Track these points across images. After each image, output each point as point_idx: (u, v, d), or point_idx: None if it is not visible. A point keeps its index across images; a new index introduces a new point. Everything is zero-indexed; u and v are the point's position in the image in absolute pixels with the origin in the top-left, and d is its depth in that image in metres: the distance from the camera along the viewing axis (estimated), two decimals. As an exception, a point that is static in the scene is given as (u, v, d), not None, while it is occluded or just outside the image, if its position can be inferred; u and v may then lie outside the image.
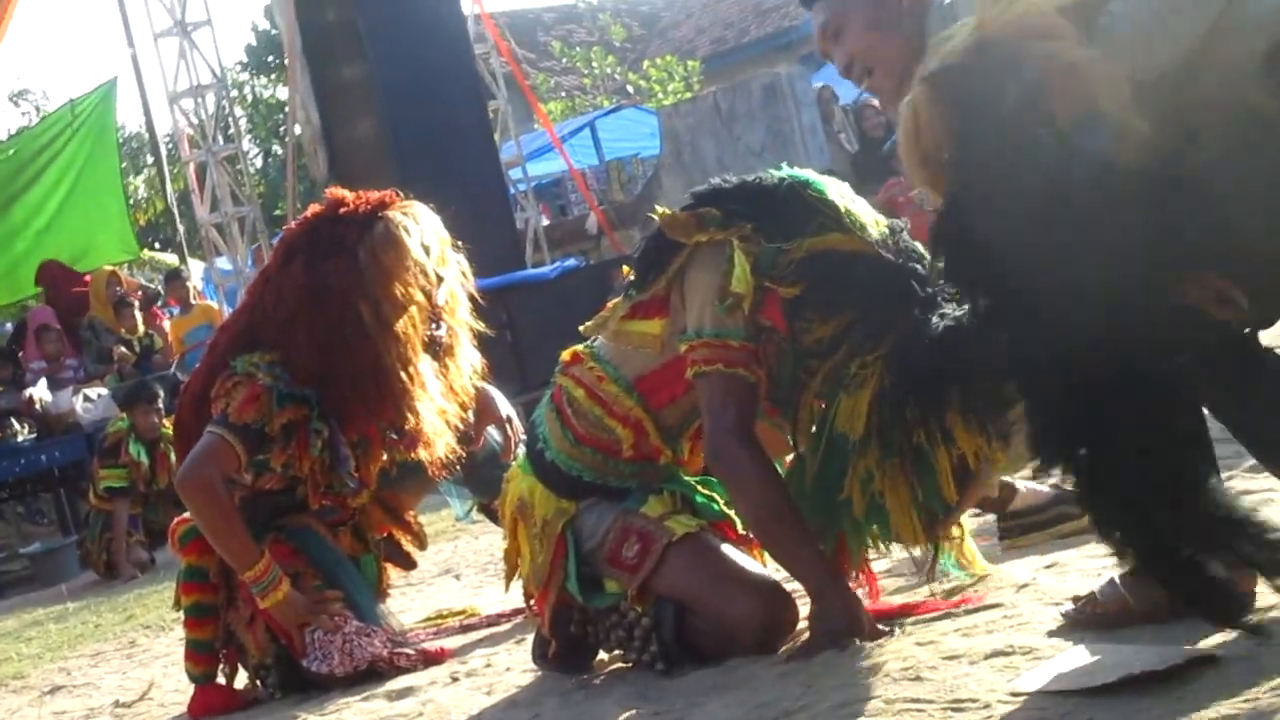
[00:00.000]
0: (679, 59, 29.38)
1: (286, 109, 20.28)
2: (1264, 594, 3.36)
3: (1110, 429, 3.19)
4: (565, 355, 4.58)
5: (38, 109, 33.29)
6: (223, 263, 16.83)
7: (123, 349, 14.94)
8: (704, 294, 4.19)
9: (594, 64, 30.31)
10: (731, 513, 4.45)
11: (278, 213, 25.52)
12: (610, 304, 4.49)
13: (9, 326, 17.57)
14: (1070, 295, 3.14)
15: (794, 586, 4.29)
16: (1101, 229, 3.10)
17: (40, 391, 14.16)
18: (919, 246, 4.21)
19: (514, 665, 4.81)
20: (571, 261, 16.23)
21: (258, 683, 5.25)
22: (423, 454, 5.13)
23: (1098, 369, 3.15)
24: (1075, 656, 3.40)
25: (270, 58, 32.40)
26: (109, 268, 15.93)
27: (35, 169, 18.07)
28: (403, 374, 4.93)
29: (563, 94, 30.15)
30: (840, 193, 4.26)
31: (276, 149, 31.45)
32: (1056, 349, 3.21)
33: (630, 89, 29.21)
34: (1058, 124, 3.13)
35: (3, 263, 17.64)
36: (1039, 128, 3.14)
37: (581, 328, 4.57)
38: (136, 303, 15.44)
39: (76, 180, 17.90)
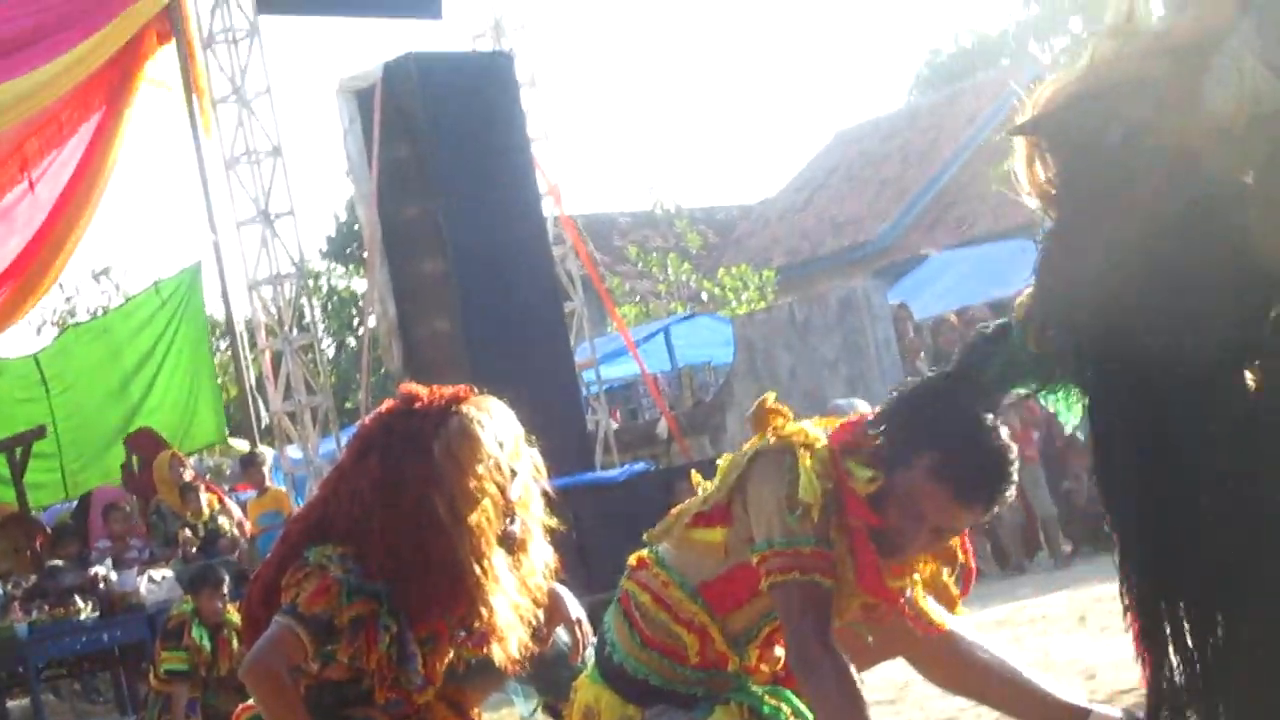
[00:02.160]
0: (753, 268, 29.58)
1: (363, 301, 20.46)
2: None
3: None
4: (632, 560, 4.60)
5: (118, 287, 33.66)
6: (293, 451, 16.89)
7: (187, 532, 14.98)
8: (771, 504, 4.21)
9: (669, 270, 30.53)
10: (798, 721, 4.41)
11: (349, 405, 25.67)
12: (675, 510, 4.51)
13: (73, 504, 17.68)
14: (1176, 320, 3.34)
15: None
16: (1205, 255, 3.17)
17: (105, 570, 14.19)
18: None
19: None
20: (640, 465, 16.23)
21: None
22: (495, 650, 5.10)
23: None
24: None
25: (349, 249, 32.76)
26: (171, 451, 16.02)
27: (140, 349, 18.40)
28: (476, 568, 4.92)
29: (637, 298, 30.35)
30: None
31: (350, 340, 31.69)
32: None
33: (704, 296, 29.39)
34: (1161, 160, 3.20)
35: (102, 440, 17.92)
36: (1143, 163, 3.21)
37: (646, 534, 4.58)
38: (201, 486, 15.51)
39: (178, 361, 18.21)
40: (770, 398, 4.46)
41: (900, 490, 4.24)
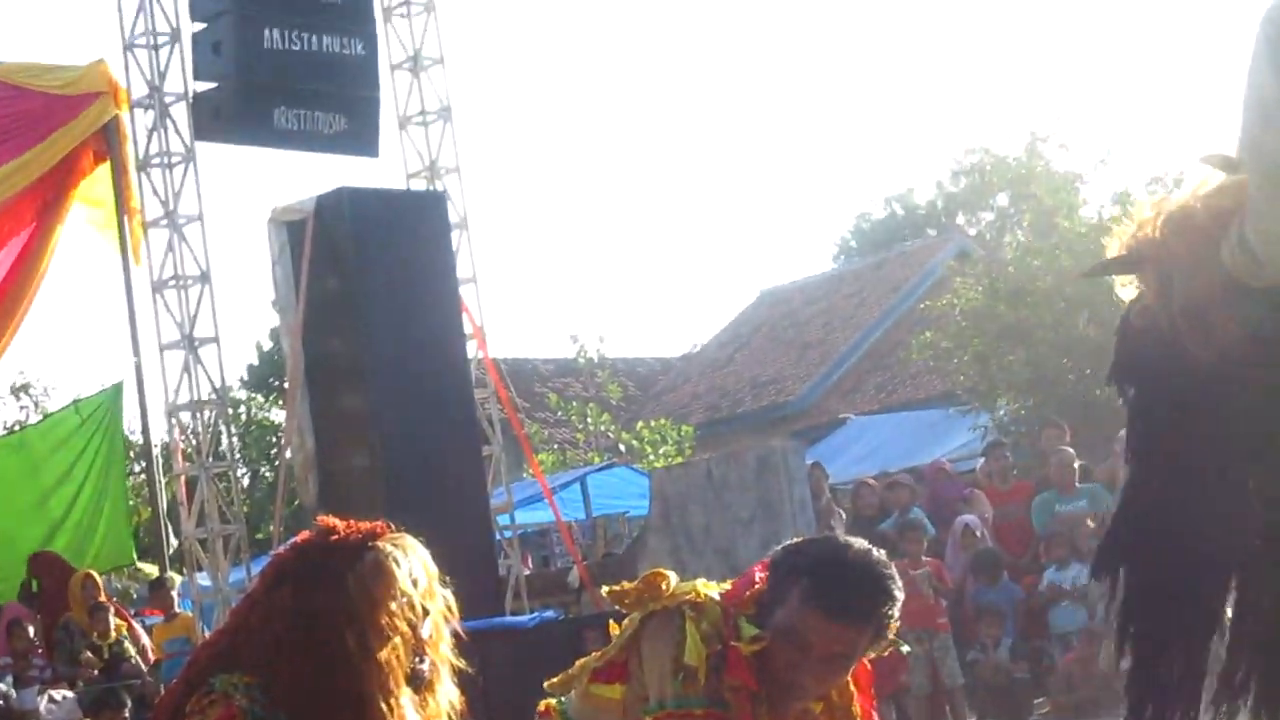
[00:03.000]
0: (672, 423, 29.66)
1: (282, 432, 20.39)
2: None
3: None
4: (540, 707, 4.57)
5: (37, 404, 33.46)
6: (203, 578, 16.75)
7: (89, 654, 14.80)
8: (661, 665, 4.21)
9: (589, 419, 30.57)
10: None
11: (261, 535, 25.49)
12: (579, 663, 4.50)
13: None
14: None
15: None
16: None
17: (6, 687, 13.99)
18: None
19: None
20: (550, 613, 16.14)
21: None
22: None
23: None
24: None
25: (271, 379, 32.67)
26: (86, 571, 15.87)
27: (58, 467, 18.28)
28: (383, 704, 4.88)
29: (555, 446, 30.35)
30: None
31: (266, 471, 31.52)
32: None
33: (622, 448, 29.41)
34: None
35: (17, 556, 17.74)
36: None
37: (547, 684, 4.57)
38: (111, 608, 15.34)
39: (94, 481, 18.09)
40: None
41: (783, 627, 4.24)
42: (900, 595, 4.33)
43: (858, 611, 4.26)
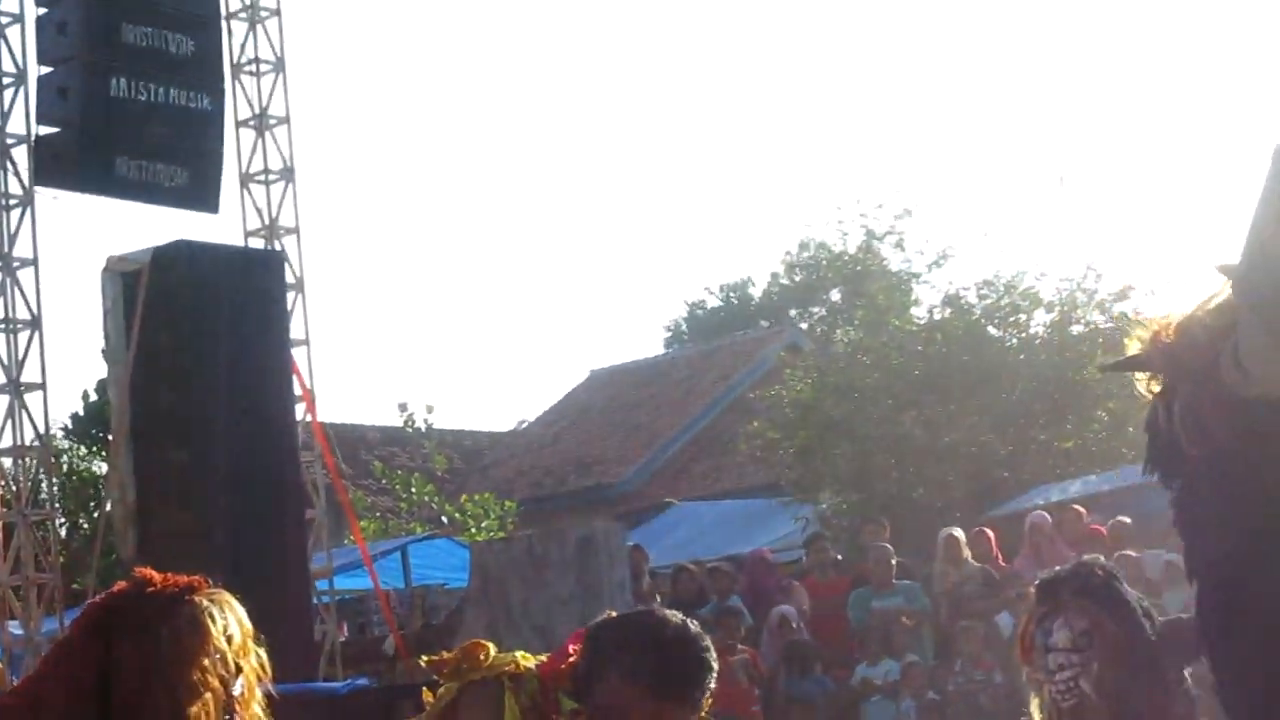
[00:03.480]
0: (497, 498, 29.62)
1: (104, 483, 20.15)
2: None
3: None
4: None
5: None
6: (15, 627, 16.48)
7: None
8: None
9: (413, 489, 30.46)
10: None
11: (77, 585, 25.10)
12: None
13: None
14: None
15: None
16: None
17: None
18: None
19: None
20: (363, 681, 16.04)
21: None
22: None
23: None
24: None
25: (95, 430, 32.24)
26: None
27: None
28: None
29: (378, 514, 30.18)
30: None
31: (83, 522, 31.09)
32: None
33: (445, 519, 29.31)
34: None
35: None
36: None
37: None
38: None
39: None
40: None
41: (603, 704, 4.27)
42: (716, 666, 4.39)
43: (680, 688, 4.30)
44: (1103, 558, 13.71)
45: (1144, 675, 7.76)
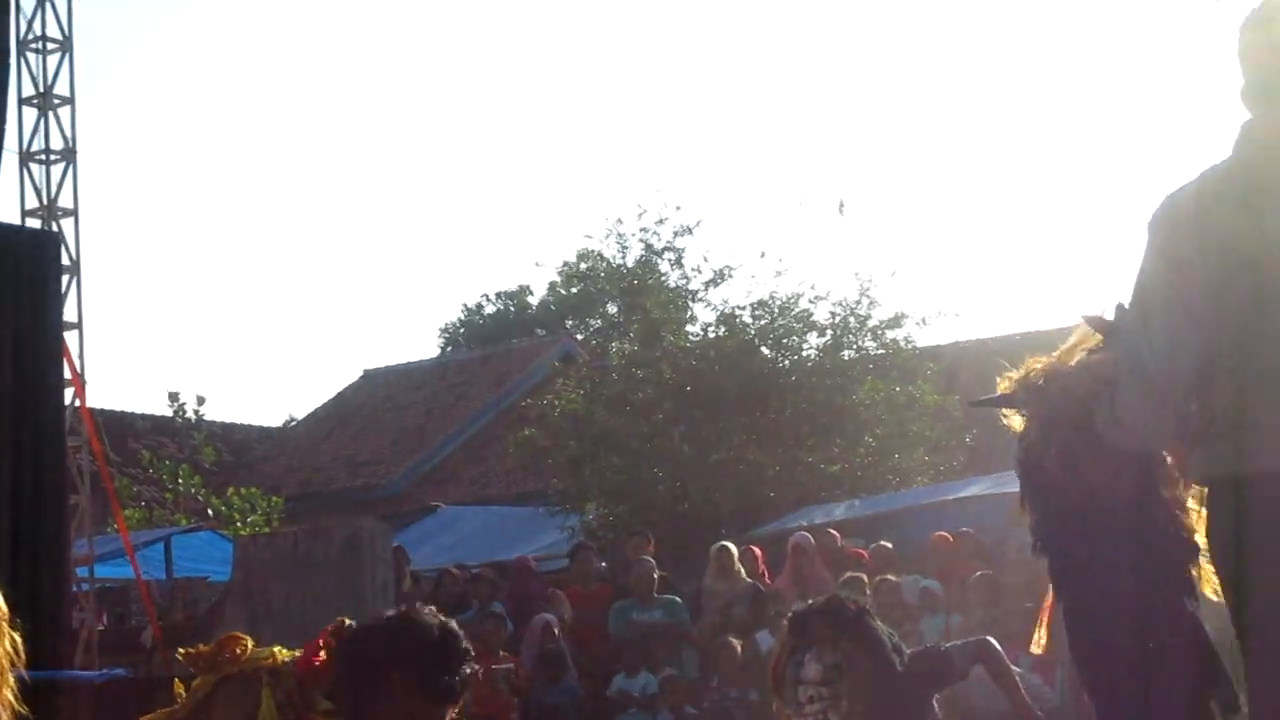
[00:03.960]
0: (263, 493, 29.37)
1: None
2: None
3: None
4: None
5: None
6: None
7: None
8: None
9: (180, 480, 30.11)
10: None
11: None
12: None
13: None
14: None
15: None
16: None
17: None
18: None
19: None
20: (120, 671, 15.85)
21: None
22: None
23: None
24: None
25: None
26: None
27: None
28: None
29: (143, 503, 29.80)
30: None
31: None
32: None
33: (210, 512, 29.01)
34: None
35: None
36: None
37: None
38: None
39: None
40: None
41: (375, 711, 4.31)
42: (475, 665, 4.46)
43: (447, 689, 4.37)
44: (863, 587, 14.02)
45: (892, 709, 7.97)
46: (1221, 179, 4.30)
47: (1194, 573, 5.16)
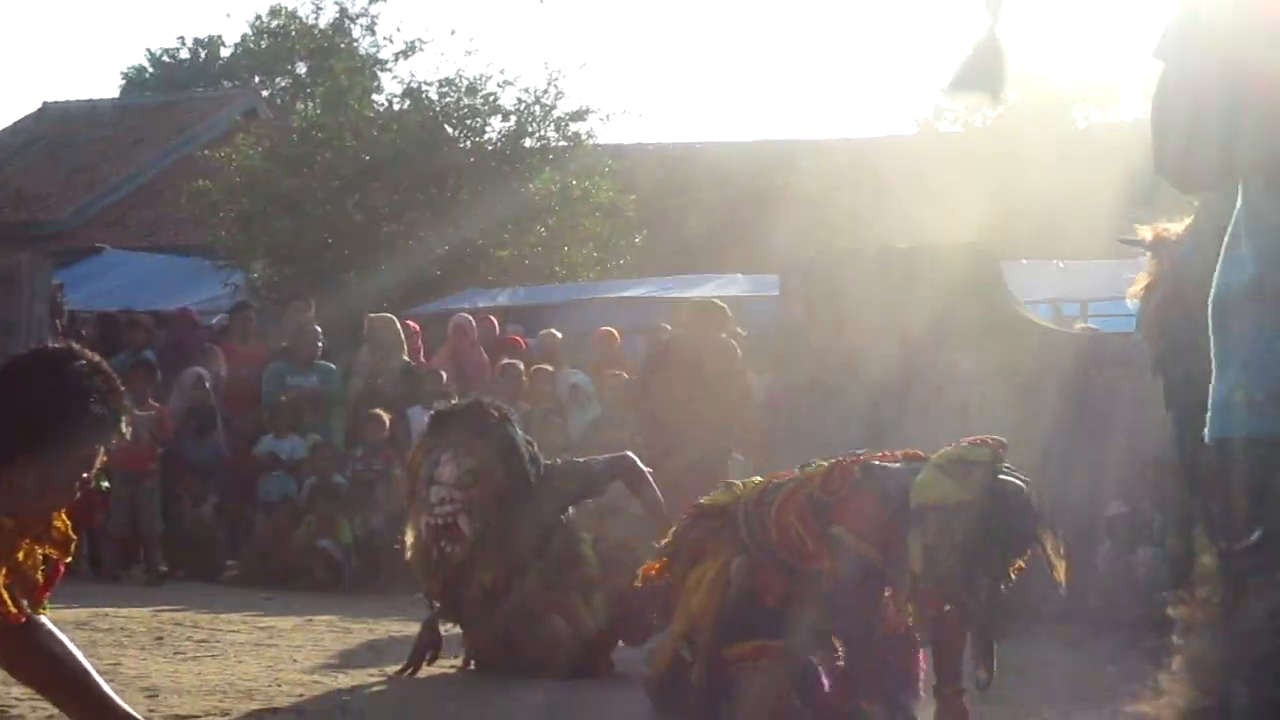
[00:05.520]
0: (-76, 217, 28.66)
1: None
2: None
3: None
4: None
5: None
6: None
7: None
8: None
9: None
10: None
11: None
12: None
13: None
14: None
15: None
16: None
17: None
18: None
19: None
20: None
21: None
22: None
23: None
24: None
25: None
26: None
27: None
28: None
29: None
30: None
31: None
32: None
33: None
34: None
35: None
36: None
37: None
38: None
39: None
40: None
41: (44, 470, 4.33)
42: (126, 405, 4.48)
43: (103, 421, 4.39)
44: (519, 375, 14.24)
45: (524, 518, 8.19)
46: None
47: None
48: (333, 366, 16.10)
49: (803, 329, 13.36)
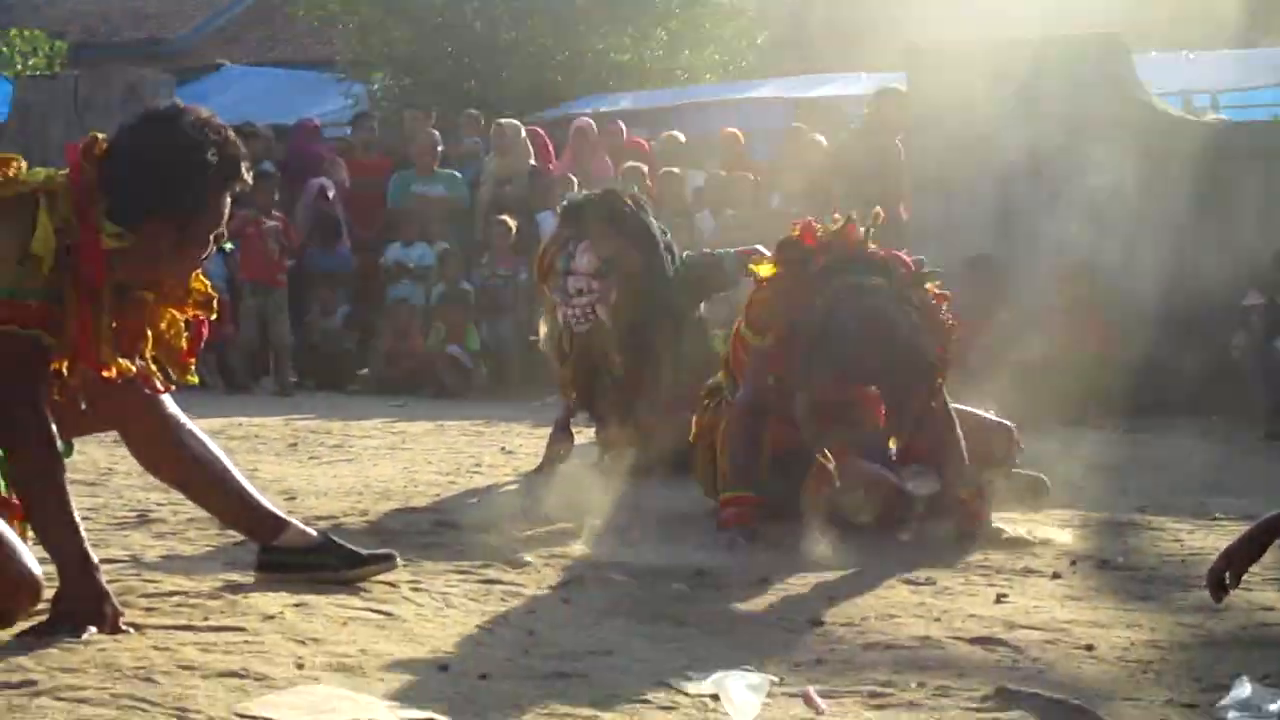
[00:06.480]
0: (47, 35, 28.65)
1: None
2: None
3: None
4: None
5: None
6: None
7: None
8: (3, 251, 4.11)
9: (-42, 19, 29.27)
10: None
11: None
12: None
13: None
14: None
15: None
16: None
17: None
18: None
19: None
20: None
21: None
22: None
23: None
24: (310, 694, 3.61)
25: None
26: None
27: None
28: None
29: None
30: None
31: None
32: None
33: (-12, 52, 28.30)
34: None
35: None
36: None
37: None
38: None
39: None
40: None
41: (150, 232, 4.28)
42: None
43: (230, 164, 4.35)
44: (644, 178, 14.13)
45: (658, 308, 8.12)
46: None
47: None
48: (458, 174, 16.07)
49: (930, 123, 13.21)
